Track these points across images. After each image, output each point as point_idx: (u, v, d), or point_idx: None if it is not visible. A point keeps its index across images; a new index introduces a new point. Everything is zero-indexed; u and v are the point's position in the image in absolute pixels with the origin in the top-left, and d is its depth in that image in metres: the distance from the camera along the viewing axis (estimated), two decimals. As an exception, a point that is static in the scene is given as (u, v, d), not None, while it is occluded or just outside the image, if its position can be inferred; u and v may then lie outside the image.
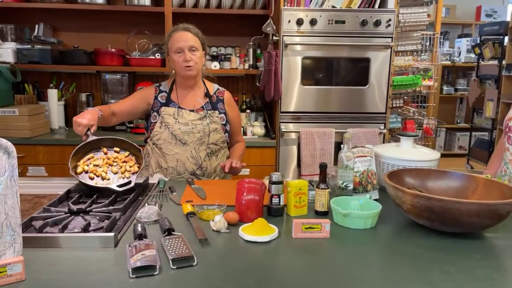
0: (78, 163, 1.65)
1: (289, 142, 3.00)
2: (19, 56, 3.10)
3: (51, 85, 3.26)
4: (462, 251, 1.22)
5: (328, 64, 2.94)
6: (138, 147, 1.77)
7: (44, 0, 3.09)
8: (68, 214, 1.36)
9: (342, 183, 1.56)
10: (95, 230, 1.25)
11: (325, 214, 1.48)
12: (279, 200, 1.46)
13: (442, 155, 6.35)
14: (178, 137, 1.94)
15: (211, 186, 1.79)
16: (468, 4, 6.33)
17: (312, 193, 1.55)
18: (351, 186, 1.56)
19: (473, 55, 5.38)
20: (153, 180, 1.86)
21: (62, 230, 1.23)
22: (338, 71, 2.96)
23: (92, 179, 1.61)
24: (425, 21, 3.00)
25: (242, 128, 3.12)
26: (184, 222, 1.39)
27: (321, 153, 2.93)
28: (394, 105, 3.15)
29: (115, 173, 1.64)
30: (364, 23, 2.83)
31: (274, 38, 2.94)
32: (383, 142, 3.01)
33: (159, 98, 2.00)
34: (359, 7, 2.93)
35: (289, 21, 2.83)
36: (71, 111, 3.42)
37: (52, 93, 3.16)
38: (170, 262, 1.07)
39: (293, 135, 2.99)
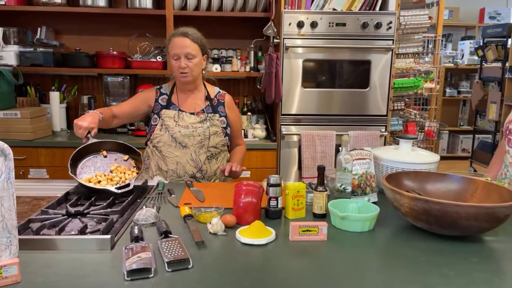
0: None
1: (290, 145, 3.00)
2: (22, 59, 3.12)
3: (53, 87, 3.28)
4: (461, 254, 1.21)
5: (329, 66, 2.94)
6: (138, 150, 1.78)
7: (46, 4, 3.11)
8: (66, 216, 1.36)
9: (341, 186, 1.55)
10: (92, 233, 1.25)
11: (323, 216, 1.47)
12: (277, 203, 1.46)
13: (445, 158, 6.30)
14: (178, 140, 1.94)
15: (210, 189, 1.79)
16: (471, 6, 6.31)
17: (310, 196, 1.55)
18: (349, 189, 1.56)
19: (476, 58, 5.36)
20: (153, 182, 1.86)
21: (59, 232, 1.23)
22: (339, 73, 2.95)
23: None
24: (426, 23, 3.00)
25: (243, 131, 3.12)
26: (181, 225, 1.39)
27: (322, 155, 2.92)
28: (395, 108, 3.14)
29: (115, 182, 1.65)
30: (365, 25, 2.83)
31: (275, 40, 2.95)
32: (384, 145, 3.00)
33: (159, 101, 2.00)
34: (359, 9, 2.93)
35: (289, 24, 2.83)
36: (73, 113, 3.43)
37: (54, 96, 3.17)
38: (166, 264, 1.07)
39: (294, 138, 2.99)
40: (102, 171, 1.70)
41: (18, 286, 0.99)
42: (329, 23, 2.84)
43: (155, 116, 1.99)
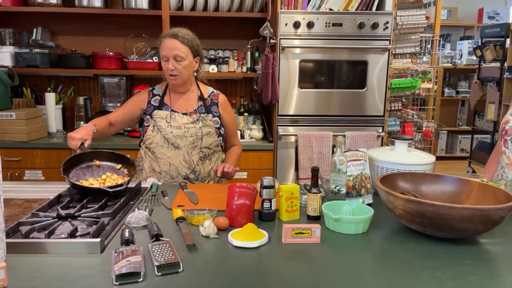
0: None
1: (287, 146, 2.99)
2: (18, 59, 3.11)
3: (49, 88, 3.26)
4: (455, 256, 1.19)
5: (325, 67, 2.92)
6: (131, 159, 1.79)
7: (42, 4, 3.10)
8: (56, 219, 1.34)
9: (335, 187, 1.54)
10: (82, 236, 1.24)
11: (317, 219, 1.46)
12: (271, 205, 1.44)
13: (444, 158, 6.28)
14: (170, 140, 1.92)
15: (204, 190, 1.77)
16: (470, 6, 6.30)
17: (305, 198, 1.54)
18: (344, 190, 1.54)
19: (474, 58, 5.35)
20: (147, 184, 1.85)
21: (49, 235, 1.22)
22: (336, 74, 2.94)
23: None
24: (423, 23, 2.99)
25: (240, 131, 3.11)
26: (173, 228, 1.37)
27: (319, 156, 2.91)
28: (392, 108, 3.13)
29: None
30: (361, 25, 2.82)
31: (272, 41, 2.93)
32: (382, 145, 2.99)
33: (152, 102, 1.99)
34: (356, 9, 2.92)
35: (286, 24, 2.81)
36: (69, 114, 3.42)
37: (50, 97, 3.16)
38: (155, 268, 1.06)
39: (291, 138, 2.97)
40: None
41: (4, 291, 0.97)
42: (326, 23, 2.83)
43: (148, 117, 1.97)
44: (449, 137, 6.27)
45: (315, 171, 1.46)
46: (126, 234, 1.22)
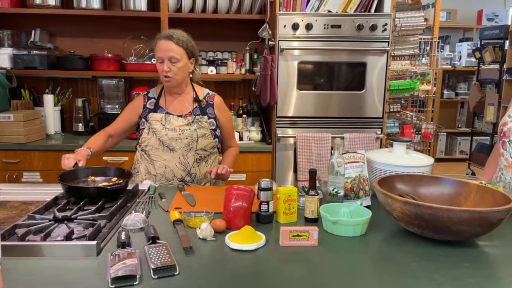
0: None
1: (285, 147, 2.98)
2: (16, 61, 3.10)
3: (47, 90, 3.26)
4: (453, 259, 1.19)
5: (324, 68, 2.92)
6: (127, 170, 1.80)
7: (40, 6, 3.09)
8: (53, 222, 1.34)
9: (333, 190, 1.53)
10: (78, 238, 1.23)
11: (315, 221, 1.45)
12: (268, 207, 1.43)
13: (443, 160, 6.26)
14: (165, 143, 1.92)
15: (201, 193, 1.76)
16: (469, 8, 6.30)
17: (302, 200, 1.53)
18: (342, 193, 1.54)
19: (473, 59, 5.35)
20: (143, 186, 1.84)
21: (45, 238, 1.21)
22: (334, 75, 2.94)
23: None
24: (421, 25, 2.99)
25: (238, 133, 3.11)
26: (170, 230, 1.36)
27: (318, 158, 2.90)
28: (391, 110, 3.13)
29: None
30: (360, 27, 2.81)
31: (270, 43, 2.93)
32: (380, 147, 2.99)
33: (147, 105, 1.99)
34: (355, 11, 2.92)
35: (284, 26, 2.81)
36: (67, 116, 3.41)
37: (48, 99, 3.15)
38: (152, 271, 1.05)
39: (290, 140, 2.97)
40: None
41: (-1, 294, 0.96)
42: (324, 25, 2.82)
43: (143, 120, 1.97)
44: (448, 139, 6.26)
45: (313, 173, 1.46)
46: (123, 236, 1.21)
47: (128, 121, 2.02)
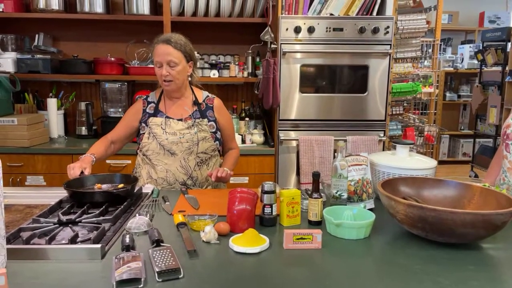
0: None
1: (288, 150, 2.99)
2: (20, 65, 3.12)
3: (51, 94, 3.27)
4: (457, 262, 1.19)
5: (326, 71, 2.93)
6: (132, 176, 1.80)
7: (44, 10, 3.11)
8: (57, 225, 1.34)
9: (336, 192, 1.53)
10: (82, 242, 1.23)
11: (319, 224, 1.45)
12: (272, 210, 1.44)
13: (446, 162, 6.25)
14: (166, 147, 1.92)
15: (205, 196, 1.77)
16: (471, 10, 6.30)
17: (306, 203, 1.53)
18: (345, 195, 1.54)
19: (476, 62, 5.35)
20: (147, 190, 1.84)
21: (50, 241, 1.22)
22: (337, 78, 2.94)
23: None
24: (424, 28, 2.99)
25: (241, 136, 3.11)
26: (174, 233, 1.37)
27: (320, 161, 2.90)
28: (394, 112, 3.13)
29: None
30: (362, 30, 2.82)
31: (273, 46, 2.94)
32: (383, 150, 2.98)
33: (147, 110, 2.00)
34: (357, 14, 2.92)
35: (287, 29, 2.82)
36: (70, 120, 3.43)
37: (52, 102, 3.17)
38: (156, 274, 1.05)
39: (292, 143, 2.97)
40: None
41: (5, 297, 0.97)
42: (326, 28, 2.83)
43: (143, 124, 1.98)
44: (451, 141, 6.26)
45: (316, 176, 1.46)
46: (127, 239, 1.22)
47: (128, 127, 2.02)
